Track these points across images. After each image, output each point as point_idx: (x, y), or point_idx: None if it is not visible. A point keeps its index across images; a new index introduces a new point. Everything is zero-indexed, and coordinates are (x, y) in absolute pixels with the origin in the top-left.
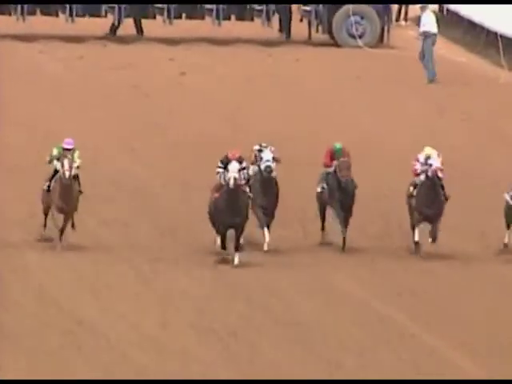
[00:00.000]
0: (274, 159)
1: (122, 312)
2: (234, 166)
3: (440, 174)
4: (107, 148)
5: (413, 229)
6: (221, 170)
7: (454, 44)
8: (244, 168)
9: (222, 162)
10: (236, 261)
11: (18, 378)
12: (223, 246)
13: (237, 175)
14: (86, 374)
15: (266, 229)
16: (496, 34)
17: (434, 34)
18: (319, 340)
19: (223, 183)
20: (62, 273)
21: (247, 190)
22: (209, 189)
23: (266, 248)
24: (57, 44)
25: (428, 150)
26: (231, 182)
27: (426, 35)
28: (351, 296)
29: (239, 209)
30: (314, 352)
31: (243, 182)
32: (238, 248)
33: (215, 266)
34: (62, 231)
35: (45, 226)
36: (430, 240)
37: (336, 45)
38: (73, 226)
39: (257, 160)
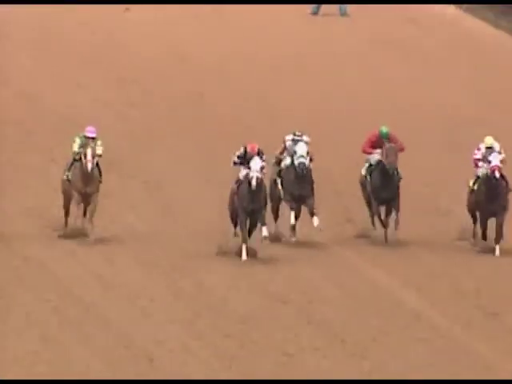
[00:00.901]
0: (308, 154)
1: (69, 249)
2: (256, 164)
3: (497, 174)
4: (53, 84)
5: (480, 223)
6: (238, 161)
7: None
8: (264, 160)
9: (239, 156)
10: (264, 233)
11: None
12: (245, 237)
13: (259, 175)
14: (32, 309)
15: (292, 213)
16: None
17: None
18: (268, 275)
19: (241, 178)
20: (8, 209)
21: (278, 182)
22: (155, 126)
23: (318, 226)
24: None
25: (489, 141)
26: (253, 183)
27: None
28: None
29: (258, 198)
30: (260, 287)
31: (263, 176)
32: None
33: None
34: (85, 216)
35: (66, 223)
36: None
37: None
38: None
39: (285, 150)
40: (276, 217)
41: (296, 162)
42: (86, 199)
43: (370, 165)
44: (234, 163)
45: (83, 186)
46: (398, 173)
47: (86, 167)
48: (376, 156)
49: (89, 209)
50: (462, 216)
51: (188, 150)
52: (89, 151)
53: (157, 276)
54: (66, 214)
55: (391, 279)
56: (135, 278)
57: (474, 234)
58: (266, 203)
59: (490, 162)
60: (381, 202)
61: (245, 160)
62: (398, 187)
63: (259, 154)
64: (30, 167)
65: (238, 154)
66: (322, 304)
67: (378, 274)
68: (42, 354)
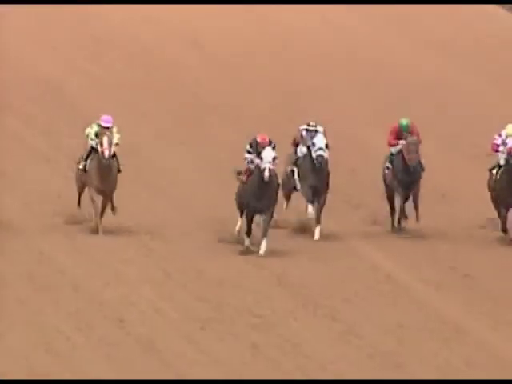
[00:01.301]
0: (327, 146)
1: (41, 212)
2: (268, 155)
3: None
4: (30, 47)
5: (499, 215)
6: (249, 156)
7: None
8: (274, 150)
9: (250, 145)
10: (262, 249)
11: None
12: (249, 232)
13: (271, 166)
14: (5, 273)
15: (310, 205)
16: None
17: None
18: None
19: (252, 168)
20: None
21: (295, 170)
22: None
23: (316, 237)
24: None
25: (510, 129)
26: (266, 175)
27: None
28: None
29: (269, 194)
30: (232, 250)
31: (275, 167)
32: (265, 235)
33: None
34: (101, 213)
35: (79, 204)
36: None
37: None
38: (113, 209)
39: (302, 139)
40: (287, 200)
41: (314, 155)
42: (104, 196)
43: (392, 154)
44: (245, 158)
45: (100, 181)
46: (421, 165)
47: (103, 155)
48: (399, 146)
49: (102, 207)
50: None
51: (159, 111)
52: (105, 139)
53: (128, 238)
54: (80, 194)
55: (365, 243)
56: (106, 239)
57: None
58: (275, 201)
59: (506, 145)
60: (404, 187)
61: (255, 151)
62: (419, 177)
63: (270, 144)
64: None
65: (247, 148)
66: (294, 267)
67: (352, 238)
68: (14, 318)
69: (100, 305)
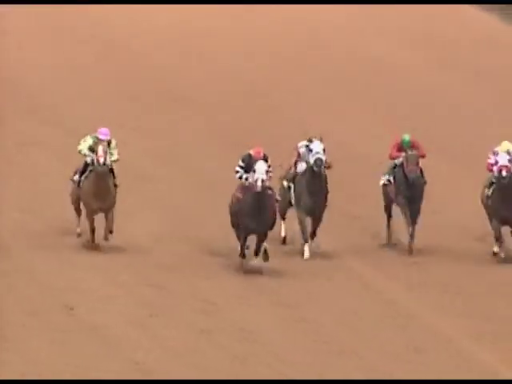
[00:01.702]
0: (324, 151)
1: None
2: (261, 167)
3: (504, 173)
4: None
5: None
6: (241, 170)
7: None
8: (269, 166)
9: (243, 160)
10: (255, 262)
11: None
12: (242, 254)
13: (264, 177)
14: None
15: (306, 245)
16: None
17: None
18: (196, 224)
19: (247, 184)
20: None
21: (291, 186)
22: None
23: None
24: None
25: (506, 145)
26: (258, 185)
27: None
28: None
29: (264, 214)
30: (186, 237)
31: (269, 182)
32: (257, 253)
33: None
34: (105, 235)
35: (78, 221)
36: None
37: None
38: (111, 232)
39: (300, 157)
40: (283, 219)
41: (312, 159)
42: (104, 213)
43: (394, 167)
44: (237, 171)
45: (96, 200)
46: (422, 176)
47: (98, 162)
48: (400, 159)
49: (106, 227)
50: None
51: (114, 97)
52: (100, 147)
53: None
54: (77, 212)
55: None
56: (58, 227)
57: (500, 241)
58: (273, 224)
59: (497, 163)
60: (407, 201)
61: (249, 166)
62: (422, 190)
63: (265, 158)
64: None
65: (240, 163)
66: (248, 255)
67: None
68: None
69: (52, 291)
